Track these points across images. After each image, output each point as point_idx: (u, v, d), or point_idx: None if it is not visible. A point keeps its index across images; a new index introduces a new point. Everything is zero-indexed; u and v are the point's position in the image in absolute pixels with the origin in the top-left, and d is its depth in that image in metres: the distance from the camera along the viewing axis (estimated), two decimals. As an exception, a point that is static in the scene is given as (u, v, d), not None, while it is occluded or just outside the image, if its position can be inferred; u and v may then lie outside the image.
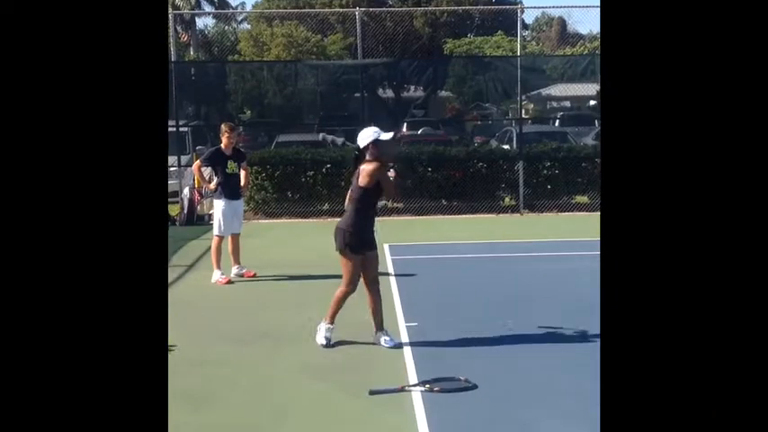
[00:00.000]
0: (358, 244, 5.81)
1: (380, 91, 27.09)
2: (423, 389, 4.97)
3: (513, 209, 14.54)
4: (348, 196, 6.03)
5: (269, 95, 18.10)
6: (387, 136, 5.87)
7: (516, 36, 16.59)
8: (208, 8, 36.03)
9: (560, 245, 10.93)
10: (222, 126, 8.84)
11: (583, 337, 6.01)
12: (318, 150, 14.64)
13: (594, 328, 5.88)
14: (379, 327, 6.01)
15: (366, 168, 5.74)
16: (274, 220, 13.92)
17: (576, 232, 11.68)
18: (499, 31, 29.38)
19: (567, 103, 26.94)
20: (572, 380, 5.14)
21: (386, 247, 10.24)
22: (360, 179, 5.77)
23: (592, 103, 24.00)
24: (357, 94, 16.39)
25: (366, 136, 5.83)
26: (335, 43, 28.00)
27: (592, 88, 19.91)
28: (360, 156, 5.87)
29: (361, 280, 5.92)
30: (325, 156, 14.20)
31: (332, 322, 6.02)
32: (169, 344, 5.98)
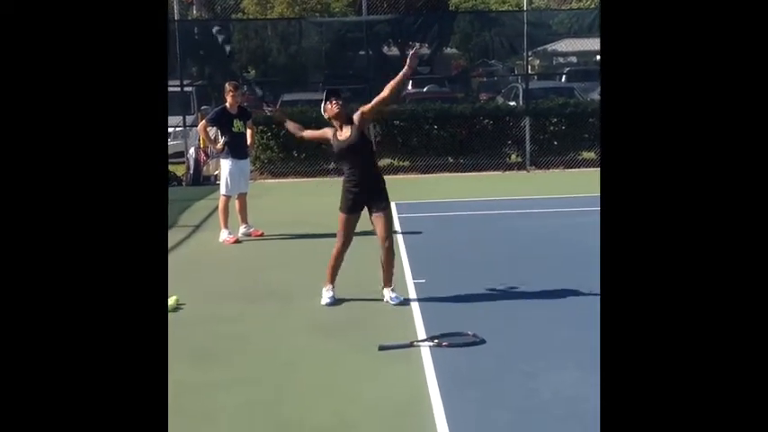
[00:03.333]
0: (346, 204, 5.93)
1: (385, 48, 26.81)
2: (431, 344, 5.03)
3: (520, 165, 14.52)
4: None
5: (273, 54, 17.97)
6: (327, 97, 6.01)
7: (522, -10, 16.37)
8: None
9: (567, 201, 10.93)
10: (226, 85, 8.81)
11: (587, 291, 6.05)
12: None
13: (598, 282, 5.91)
14: (387, 282, 6.06)
15: (347, 125, 5.92)
16: (280, 180, 13.94)
17: (582, 188, 11.67)
18: (505, -15, 28.94)
19: (574, 59, 26.66)
20: (577, 333, 5.20)
21: (393, 204, 10.25)
22: (354, 134, 5.90)
23: (598, 58, 23.74)
24: (362, 52, 16.26)
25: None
26: (339, 1, 27.66)
27: (599, 43, 19.67)
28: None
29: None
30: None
31: (332, 282, 6.08)
32: (178, 302, 6.07)
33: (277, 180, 13.95)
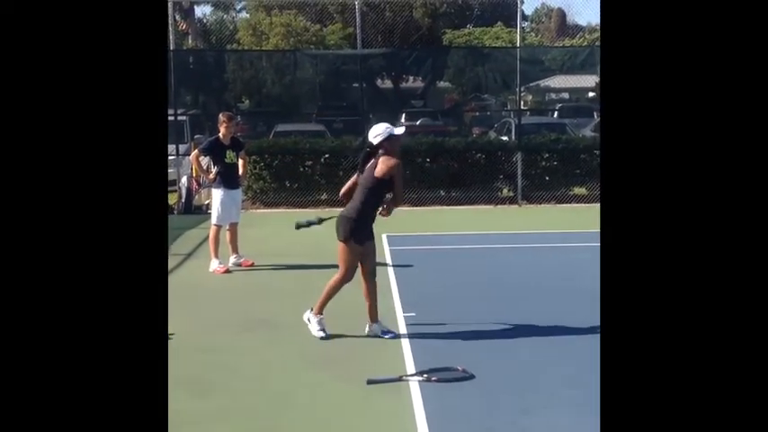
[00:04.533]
0: (362, 234, 5.84)
1: (379, 81, 27.01)
2: (420, 378, 4.99)
3: (512, 200, 14.55)
4: (346, 187, 6.05)
5: (267, 85, 18.07)
6: (400, 131, 5.95)
7: (516, 27, 16.56)
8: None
9: (558, 236, 10.94)
10: (220, 116, 8.83)
11: (580, 328, 6.02)
12: (317, 140, 14.63)
13: (591, 319, 5.90)
14: (374, 318, 6.02)
15: (387, 161, 5.75)
16: (272, 210, 13.92)
17: (573, 224, 11.70)
18: (498, 23, 29.27)
19: (566, 95, 26.93)
20: (568, 370, 5.16)
21: (384, 237, 10.25)
22: (377, 170, 5.77)
23: (590, 94, 23.98)
24: (356, 84, 16.37)
25: (378, 132, 5.85)
26: (335, 33, 27.89)
27: (591, 80, 19.91)
28: (371, 152, 5.89)
29: (359, 270, 5.93)
30: (323, 145, 14.19)
31: (321, 312, 6.03)
32: (168, 331, 6.00)
33: (269, 210, 13.93)
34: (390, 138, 5.82)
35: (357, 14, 14.66)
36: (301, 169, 14.00)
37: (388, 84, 29.75)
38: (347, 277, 5.91)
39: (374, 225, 6.04)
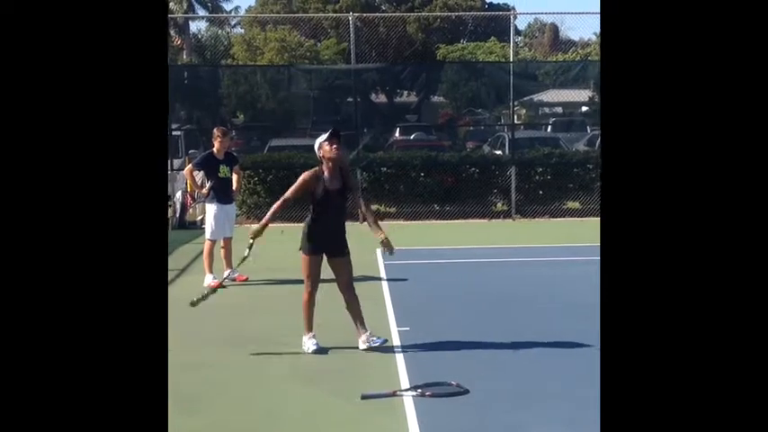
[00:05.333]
0: (309, 245, 5.91)
1: (373, 96, 27.08)
2: (414, 393, 4.97)
3: (505, 214, 14.57)
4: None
5: (262, 100, 18.10)
6: (322, 138, 6.02)
7: (509, 42, 16.64)
8: (201, 12, 36.03)
9: (552, 250, 10.95)
10: (214, 130, 8.84)
11: (574, 342, 6.01)
12: (311, 155, 14.58)
13: (585, 333, 5.89)
14: (362, 328, 6.00)
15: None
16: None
17: (567, 238, 11.72)
18: (492, 38, 29.42)
19: (560, 109, 27.02)
20: (563, 385, 5.14)
21: (378, 251, 10.23)
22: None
23: (584, 108, 24.07)
24: (350, 99, 16.40)
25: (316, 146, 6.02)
26: (329, 48, 28.00)
27: (584, 94, 19.97)
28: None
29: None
30: (318, 160, 14.15)
31: (310, 330, 6.02)
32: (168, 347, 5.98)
33: (263, 225, 13.89)
34: (321, 146, 5.98)
35: (351, 29, 14.72)
36: (295, 184, 13.98)
37: (382, 98, 29.82)
38: (306, 287, 5.98)
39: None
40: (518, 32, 36.70)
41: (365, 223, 6.16)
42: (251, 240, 5.99)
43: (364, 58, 16.89)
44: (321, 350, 5.95)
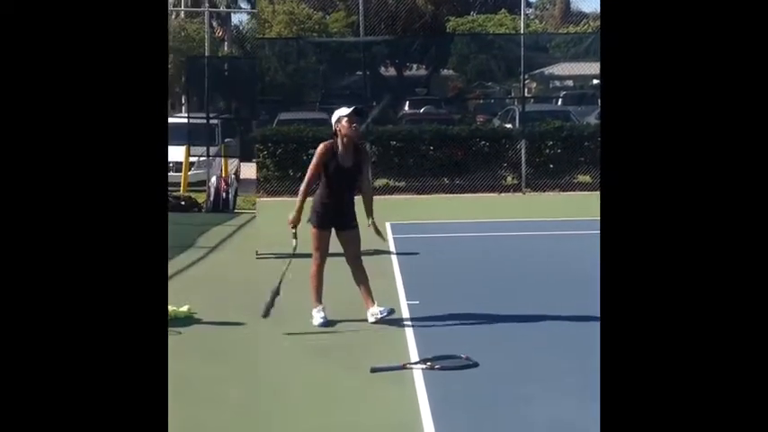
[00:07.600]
0: (317, 219, 5.95)
1: (383, 69, 26.91)
2: (424, 366, 4.99)
3: (515, 188, 14.53)
4: None
5: (270, 73, 18.02)
6: (344, 111, 5.96)
7: (519, 14, 16.48)
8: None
9: (562, 224, 10.92)
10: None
11: (583, 315, 6.01)
12: (320, 128, 14.59)
13: (595, 306, 5.88)
14: (370, 301, 6.00)
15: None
16: (276, 198, 13.91)
17: (577, 211, 11.66)
18: (502, 10, 29.08)
19: (570, 82, 26.78)
20: (572, 358, 5.15)
21: (387, 225, 10.23)
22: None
23: (595, 82, 23.84)
24: (359, 72, 16.32)
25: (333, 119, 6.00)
26: (338, 21, 27.78)
27: (595, 67, 19.75)
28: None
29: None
30: (327, 134, 14.09)
31: (319, 302, 6.04)
32: (191, 311, 6.28)
33: (272, 198, 13.92)
34: (339, 120, 5.92)
35: (360, 2, 14.60)
36: (305, 158, 13.94)
37: (391, 71, 29.63)
38: (315, 259, 6.02)
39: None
40: (529, 4, 36.23)
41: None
42: (293, 230, 5.98)
43: (373, 31, 16.77)
44: (328, 323, 5.96)
